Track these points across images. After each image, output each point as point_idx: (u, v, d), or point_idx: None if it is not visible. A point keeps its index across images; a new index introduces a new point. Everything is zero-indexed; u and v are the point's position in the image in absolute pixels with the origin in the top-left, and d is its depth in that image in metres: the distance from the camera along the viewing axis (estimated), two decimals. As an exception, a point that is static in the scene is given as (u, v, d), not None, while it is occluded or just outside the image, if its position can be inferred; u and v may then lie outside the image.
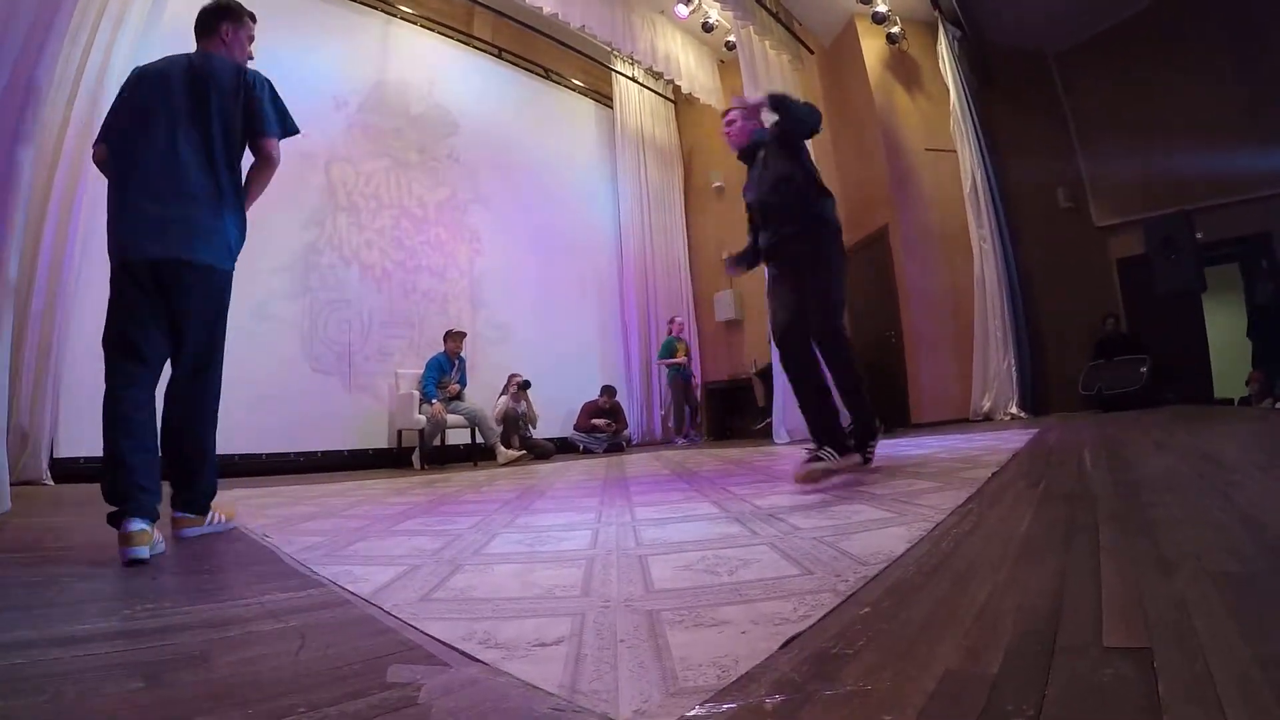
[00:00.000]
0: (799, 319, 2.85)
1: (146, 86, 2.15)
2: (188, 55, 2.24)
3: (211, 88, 2.15)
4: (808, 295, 2.83)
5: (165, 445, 2.09)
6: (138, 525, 1.72)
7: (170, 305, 2.06)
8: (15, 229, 2.64)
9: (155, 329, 2.05)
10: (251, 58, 2.39)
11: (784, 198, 2.91)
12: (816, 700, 0.69)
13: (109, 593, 1.46)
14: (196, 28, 2.32)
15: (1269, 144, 6.36)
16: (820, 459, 2.54)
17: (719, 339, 9.43)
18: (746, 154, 3.14)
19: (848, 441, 2.74)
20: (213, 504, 2.24)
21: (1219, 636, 0.75)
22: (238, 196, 2.22)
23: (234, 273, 2.23)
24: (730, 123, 3.12)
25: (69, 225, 4.42)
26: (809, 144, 3.12)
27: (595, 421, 7.55)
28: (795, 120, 2.87)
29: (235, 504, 2.57)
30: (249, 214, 2.28)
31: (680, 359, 8.37)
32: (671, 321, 8.63)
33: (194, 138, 2.11)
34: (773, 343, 3.05)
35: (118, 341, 2.00)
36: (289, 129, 2.30)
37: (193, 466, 2.15)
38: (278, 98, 2.28)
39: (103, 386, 1.95)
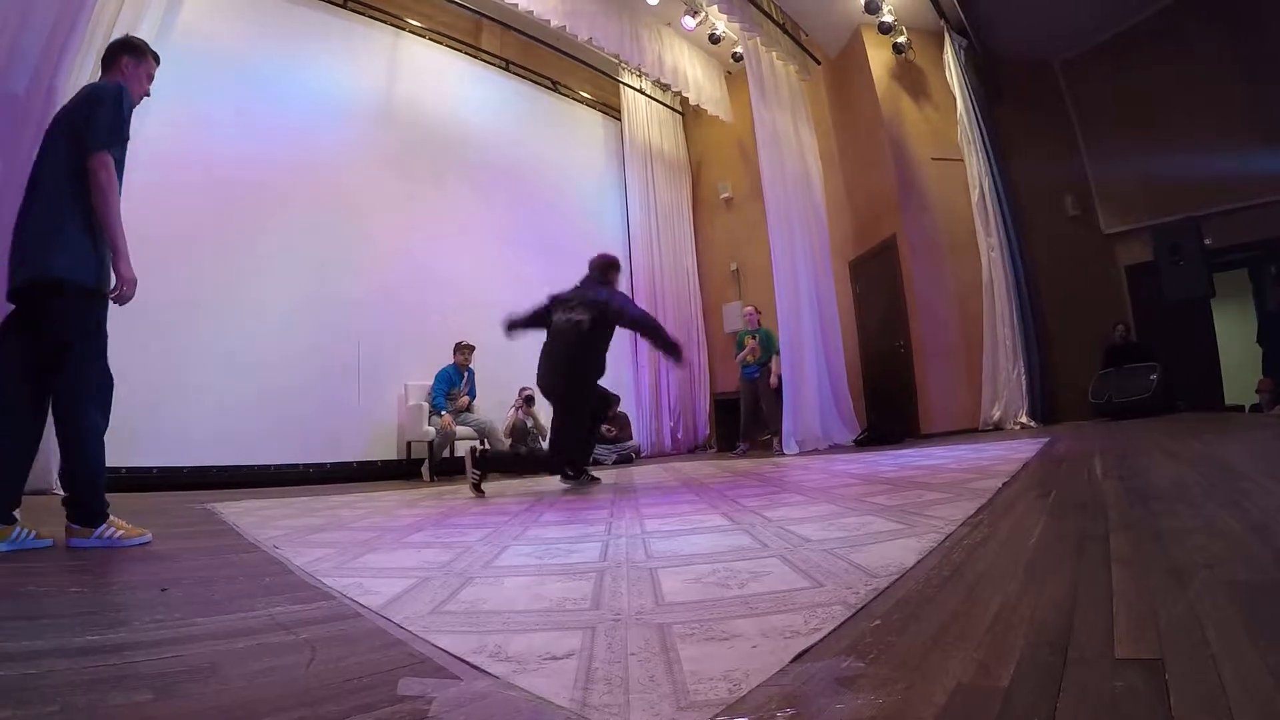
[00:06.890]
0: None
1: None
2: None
3: (66, 109, 2.21)
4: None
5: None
6: None
7: (36, 324, 2.10)
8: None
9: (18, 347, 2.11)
10: (148, 94, 2.43)
11: (582, 354, 3.97)
12: (828, 714, 0.69)
13: (118, 604, 1.47)
14: (102, 61, 2.38)
15: (1277, 148, 6.33)
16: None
17: (728, 350, 9.40)
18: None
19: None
20: (112, 519, 2.17)
21: (1231, 647, 0.75)
22: (84, 214, 2.13)
23: (95, 288, 2.16)
24: None
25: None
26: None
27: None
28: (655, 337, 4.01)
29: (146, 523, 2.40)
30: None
31: (745, 353, 7.13)
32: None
33: (51, 163, 2.15)
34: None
35: None
36: (113, 140, 2.15)
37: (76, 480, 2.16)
38: (120, 108, 2.19)
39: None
